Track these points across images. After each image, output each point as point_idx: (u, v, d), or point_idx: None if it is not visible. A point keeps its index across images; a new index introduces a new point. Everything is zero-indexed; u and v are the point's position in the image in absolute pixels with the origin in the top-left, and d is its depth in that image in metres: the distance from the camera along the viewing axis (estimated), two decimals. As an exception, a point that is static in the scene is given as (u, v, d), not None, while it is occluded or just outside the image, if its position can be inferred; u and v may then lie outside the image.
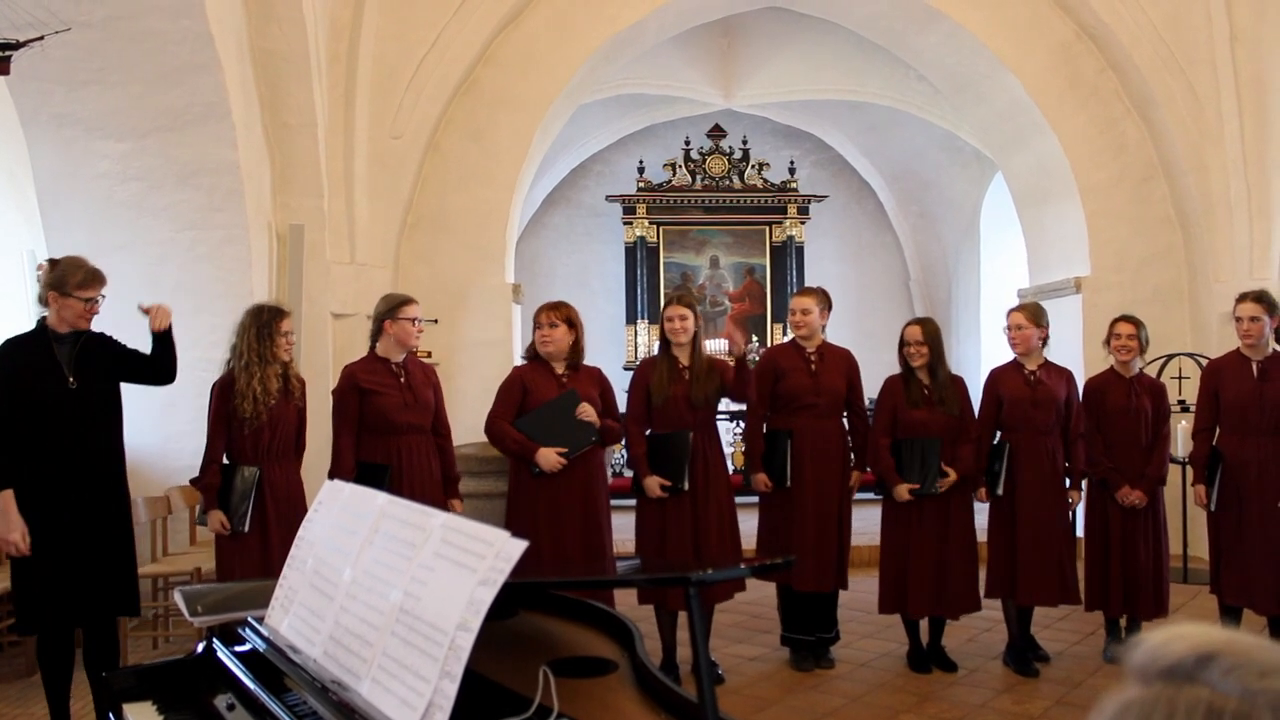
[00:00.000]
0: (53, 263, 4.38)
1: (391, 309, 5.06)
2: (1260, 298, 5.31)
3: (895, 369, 5.52)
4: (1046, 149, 8.60)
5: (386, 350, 5.06)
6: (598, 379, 5.23)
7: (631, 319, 13.25)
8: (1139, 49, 7.95)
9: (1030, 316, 5.48)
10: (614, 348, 13.38)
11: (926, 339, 5.38)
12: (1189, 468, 5.92)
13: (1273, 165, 7.73)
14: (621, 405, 5.46)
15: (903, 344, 5.44)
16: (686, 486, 5.11)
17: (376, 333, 5.09)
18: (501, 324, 8.22)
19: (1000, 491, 5.36)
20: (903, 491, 5.26)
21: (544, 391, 5.03)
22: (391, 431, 4.92)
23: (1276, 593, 5.21)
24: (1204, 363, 7.68)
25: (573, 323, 5.12)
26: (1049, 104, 8.36)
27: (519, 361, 5.29)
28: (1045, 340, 5.52)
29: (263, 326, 4.77)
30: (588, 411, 4.97)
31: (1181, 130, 8.02)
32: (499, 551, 1.86)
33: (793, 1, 8.92)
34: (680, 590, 4.88)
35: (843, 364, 5.53)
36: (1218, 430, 5.46)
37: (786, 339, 6.34)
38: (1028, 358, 5.48)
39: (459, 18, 7.68)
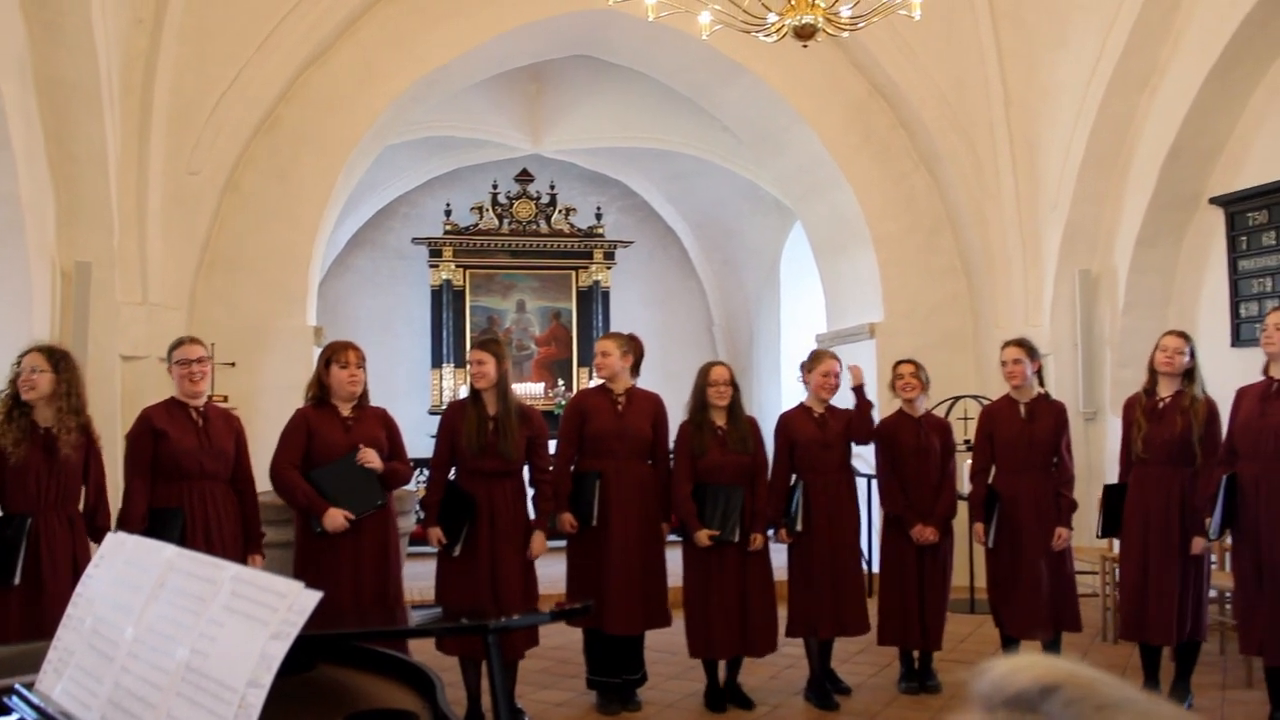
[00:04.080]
0: None
1: (168, 353, 4.95)
2: (1021, 343, 5.78)
3: None
4: (842, 200, 8.98)
5: (184, 395, 4.87)
6: (383, 420, 5.14)
7: (437, 363, 13.13)
8: (926, 109, 8.42)
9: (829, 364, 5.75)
10: (419, 391, 13.21)
11: (733, 379, 5.52)
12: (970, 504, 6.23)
13: (1043, 220, 8.29)
14: (424, 448, 5.38)
15: (708, 384, 5.51)
16: (458, 553, 5.10)
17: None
18: (302, 367, 7.96)
19: (800, 528, 5.53)
20: (703, 537, 5.36)
21: (329, 434, 4.92)
22: (184, 477, 4.72)
23: (1049, 620, 5.55)
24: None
25: (363, 362, 5.06)
26: (844, 157, 8.75)
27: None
28: (834, 389, 5.78)
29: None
30: (370, 457, 4.88)
31: (964, 186, 8.52)
32: (292, 604, 1.81)
33: (602, 51, 9.08)
34: (477, 640, 4.86)
35: (650, 409, 5.60)
36: (994, 470, 5.80)
37: (594, 383, 6.37)
38: (818, 403, 5.75)
39: (262, 53, 7.48)
